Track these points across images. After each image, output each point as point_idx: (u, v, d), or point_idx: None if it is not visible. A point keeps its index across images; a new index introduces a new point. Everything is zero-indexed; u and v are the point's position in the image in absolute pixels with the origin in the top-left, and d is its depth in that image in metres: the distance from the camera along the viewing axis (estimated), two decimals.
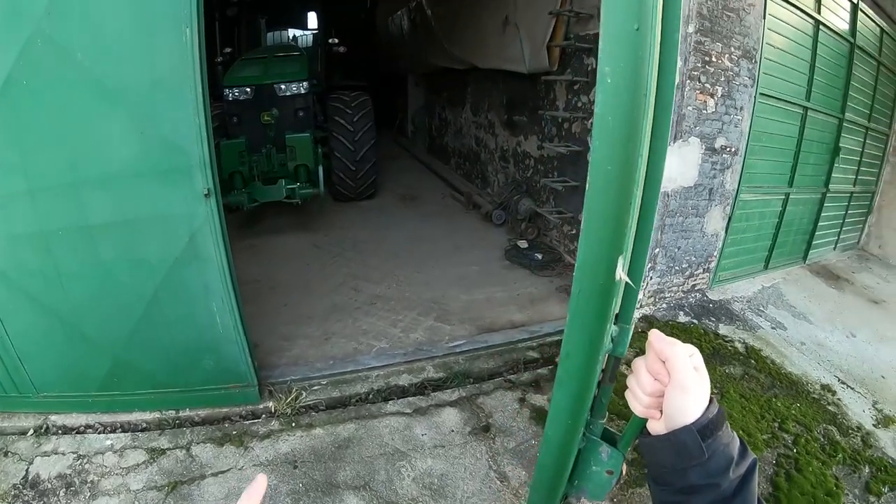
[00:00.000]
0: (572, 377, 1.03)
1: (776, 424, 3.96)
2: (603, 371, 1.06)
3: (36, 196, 3.11)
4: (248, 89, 7.10)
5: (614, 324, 1.00)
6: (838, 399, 4.38)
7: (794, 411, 4.13)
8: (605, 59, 0.84)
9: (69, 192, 3.12)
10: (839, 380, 4.66)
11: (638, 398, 0.93)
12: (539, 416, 3.92)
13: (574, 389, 1.05)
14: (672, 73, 0.87)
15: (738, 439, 0.86)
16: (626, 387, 0.97)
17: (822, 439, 3.89)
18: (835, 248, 7.95)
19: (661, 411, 0.89)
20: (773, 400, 4.22)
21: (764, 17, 5.00)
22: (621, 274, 0.88)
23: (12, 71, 2.83)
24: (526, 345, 4.67)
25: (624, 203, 0.82)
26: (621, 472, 1.15)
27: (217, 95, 6.17)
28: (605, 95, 0.80)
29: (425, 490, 3.32)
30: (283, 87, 7.28)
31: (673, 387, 0.86)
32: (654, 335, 0.90)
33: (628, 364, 1.00)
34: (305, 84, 7.44)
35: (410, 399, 4.08)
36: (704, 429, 0.83)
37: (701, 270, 5.70)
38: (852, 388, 4.57)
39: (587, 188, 0.85)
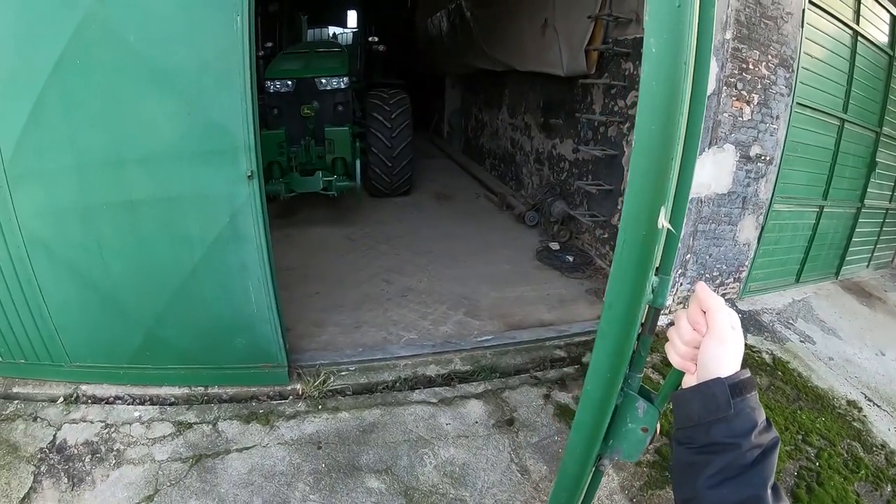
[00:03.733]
0: (613, 328, 1.07)
1: (800, 437, 3.92)
2: (643, 324, 1.10)
3: (82, 171, 3.23)
4: (290, 82, 7.24)
5: (655, 275, 1.03)
6: (864, 416, 4.31)
7: (818, 425, 4.07)
8: (651, 31, 0.91)
9: (115, 168, 3.24)
10: (866, 397, 4.58)
11: (676, 348, 0.96)
12: (563, 413, 3.93)
13: (614, 341, 1.09)
14: (708, 46, 0.94)
15: (764, 413, 0.86)
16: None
17: (845, 454, 3.83)
18: (868, 266, 7.79)
19: (696, 365, 0.91)
20: (798, 412, 4.18)
21: (802, 27, 4.94)
22: (663, 222, 0.92)
23: (65, 50, 2.95)
24: (553, 343, 4.68)
25: (665, 158, 0.88)
26: (656, 430, 1.18)
27: (258, 88, 6.30)
28: (650, 64, 0.87)
29: (446, 478, 3.36)
30: (323, 81, 7.40)
31: (710, 336, 0.89)
32: (700, 287, 0.93)
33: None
34: (346, 79, 7.55)
35: (437, 389, 4.12)
36: (735, 386, 0.85)
37: (731, 279, 5.65)
38: (879, 406, 4.49)
39: (633, 146, 0.91)
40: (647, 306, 1.08)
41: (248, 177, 3.24)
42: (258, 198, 3.32)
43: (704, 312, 0.91)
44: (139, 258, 3.48)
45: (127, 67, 3.04)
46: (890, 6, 6.05)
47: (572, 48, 6.31)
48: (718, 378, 0.85)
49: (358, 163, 7.46)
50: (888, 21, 6.17)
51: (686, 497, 0.88)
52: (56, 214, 3.35)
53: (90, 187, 3.27)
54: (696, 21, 0.91)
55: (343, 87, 7.55)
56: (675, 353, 0.96)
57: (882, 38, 6.14)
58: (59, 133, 3.14)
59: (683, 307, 5.20)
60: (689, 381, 0.94)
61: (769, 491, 0.79)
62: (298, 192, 7.12)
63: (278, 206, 7.58)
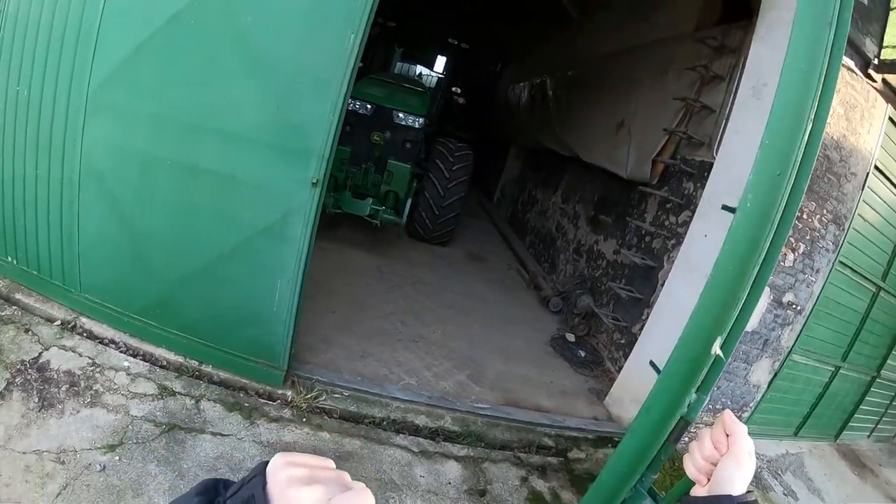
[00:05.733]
0: (645, 429, 1.12)
1: None
2: (670, 432, 1.15)
3: (161, 123, 3.38)
4: (370, 106, 7.46)
5: (695, 392, 1.09)
6: None
7: None
8: (750, 188, 1.06)
9: (192, 131, 3.38)
10: None
11: (694, 460, 1.03)
12: (536, 500, 3.87)
13: (642, 441, 1.14)
14: (792, 214, 1.04)
15: None
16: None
17: None
18: (869, 436, 7.65)
19: (708, 479, 0.99)
20: None
21: (862, 189, 5.01)
22: (717, 349, 0.99)
23: (185, 7, 3.14)
24: (544, 430, 4.63)
25: (734, 297, 0.96)
26: None
27: None
28: (743, 216, 0.99)
29: None
30: (401, 115, 7.63)
31: (730, 457, 0.97)
32: (727, 413, 1.02)
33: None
34: (421, 120, 7.77)
35: (420, 440, 4.10)
36: None
37: None
38: None
39: (709, 279, 1.00)
40: (680, 418, 1.12)
41: (313, 183, 3.34)
42: (315, 205, 3.43)
43: (728, 435, 0.99)
44: (184, 220, 3.59)
45: (235, 43, 3.21)
46: None
47: (641, 154, 6.42)
48: (730, 495, 0.93)
49: (409, 202, 7.58)
50: None
51: None
52: (121, 152, 3.50)
53: (163, 140, 3.41)
54: (790, 190, 1.01)
55: (417, 126, 7.76)
56: (692, 464, 1.03)
57: None
58: (152, 81, 3.32)
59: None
60: (697, 492, 1.01)
61: None
62: (345, 210, 7.24)
63: (321, 219, 7.66)
